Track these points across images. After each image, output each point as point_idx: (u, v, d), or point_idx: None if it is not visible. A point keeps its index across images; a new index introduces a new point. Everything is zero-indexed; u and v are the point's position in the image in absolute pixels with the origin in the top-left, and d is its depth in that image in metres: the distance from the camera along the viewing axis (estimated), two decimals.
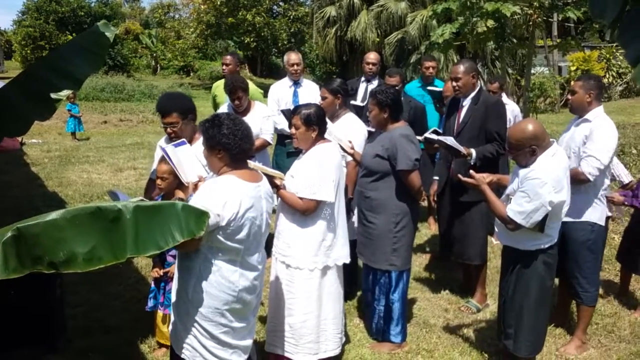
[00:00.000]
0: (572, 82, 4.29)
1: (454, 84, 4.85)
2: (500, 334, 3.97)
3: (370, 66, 6.51)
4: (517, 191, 3.51)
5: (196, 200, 2.73)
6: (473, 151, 4.62)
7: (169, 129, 3.88)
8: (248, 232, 2.89)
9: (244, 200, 2.85)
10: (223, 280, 2.87)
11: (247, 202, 2.87)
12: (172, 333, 3.06)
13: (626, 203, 4.79)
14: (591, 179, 3.98)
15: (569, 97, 4.26)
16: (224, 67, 6.53)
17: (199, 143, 3.89)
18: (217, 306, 2.87)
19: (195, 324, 2.89)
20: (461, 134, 4.80)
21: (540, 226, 3.49)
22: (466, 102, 4.89)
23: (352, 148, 4.43)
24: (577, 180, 3.95)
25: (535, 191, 3.38)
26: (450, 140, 4.54)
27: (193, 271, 2.86)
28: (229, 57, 6.65)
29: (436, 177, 5.22)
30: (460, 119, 4.89)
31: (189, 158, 3.49)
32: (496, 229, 3.83)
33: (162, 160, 3.73)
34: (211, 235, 2.76)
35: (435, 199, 5.23)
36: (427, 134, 4.63)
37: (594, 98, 4.11)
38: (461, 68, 4.83)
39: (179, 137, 3.83)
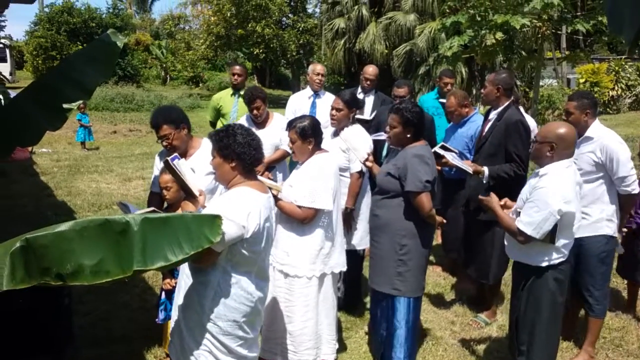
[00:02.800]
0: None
1: (482, 90, 4.81)
2: (512, 350, 3.90)
3: (369, 82, 6.44)
4: (526, 202, 3.49)
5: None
6: (485, 170, 4.51)
7: (164, 142, 3.89)
8: (265, 243, 2.91)
9: (262, 211, 2.87)
10: (242, 292, 2.85)
11: (265, 212, 2.90)
12: (176, 349, 2.96)
13: (632, 227, 4.91)
14: (638, 190, 4.12)
15: (565, 117, 4.21)
16: (236, 77, 6.55)
17: (196, 155, 3.91)
18: (236, 319, 2.85)
19: (212, 339, 2.84)
20: (482, 148, 4.71)
21: (551, 237, 3.44)
22: (492, 116, 4.75)
23: (372, 161, 4.34)
24: (632, 203, 4.25)
25: (544, 200, 3.34)
26: (450, 156, 4.45)
27: (210, 285, 2.82)
28: (238, 67, 6.68)
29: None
30: (484, 133, 4.78)
31: (188, 171, 3.50)
32: (506, 244, 3.79)
33: (164, 171, 3.75)
34: (233, 248, 2.76)
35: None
36: (435, 149, 4.55)
37: (591, 116, 4.11)
38: (490, 77, 4.75)
39: (176, 148, 3.86)
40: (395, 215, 3.88)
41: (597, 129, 4.11)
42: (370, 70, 6.54)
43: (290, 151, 5.49)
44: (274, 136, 5.32)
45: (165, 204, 4.00)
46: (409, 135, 3.88)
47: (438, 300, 5.43)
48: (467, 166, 4.53)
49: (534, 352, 3.66)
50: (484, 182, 4.53)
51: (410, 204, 3.81)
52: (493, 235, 4.67)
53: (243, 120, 5.51)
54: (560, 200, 3.33)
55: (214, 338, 2.84)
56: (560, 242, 3.47)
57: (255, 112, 5.33)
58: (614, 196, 4.15)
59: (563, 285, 3.62)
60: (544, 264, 3.51)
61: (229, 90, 6.68)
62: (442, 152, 4.52)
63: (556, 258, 3.51)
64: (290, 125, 3.88)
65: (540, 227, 3.37)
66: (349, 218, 4.67)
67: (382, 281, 3.96)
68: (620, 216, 4.24)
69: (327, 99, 6.31)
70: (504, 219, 3.61)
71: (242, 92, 6.37)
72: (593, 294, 4.19)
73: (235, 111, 6.42)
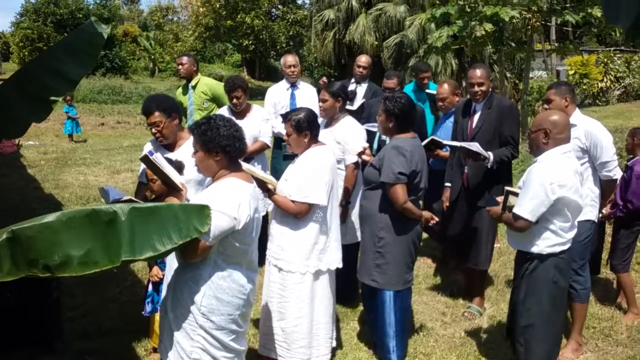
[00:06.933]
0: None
1: (477, 88, 4.70)
2: (509, 339, 3.87)
3: (361, 69, 6.47)
4: (522, 188, 3.52)
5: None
6: (491, 155, 4.57)
7: (153, 129, 3.83)
8: (254, 233, 2.88)
9: (251, 201, 2.83)
10: (234, 285, 2.81)
11: (254, 203, 2.85)
12: (166, 348, 2.86)
13: (616, 214, 4.95)
14: (619, 176, 4.22)
15: (546, 106, 4.31)
16: (180, 67, 6.48)
17: (185, 145, 3.86)
18: (230, 312, 2.80)
19: (205, 335, 2.77)
20: (475, 138, 4.72)
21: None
22: (479, 107, 4.79)
23: (369, 154, 4.24)
24: (612, 188, 4.35)
25: (538, 185, 3.38)
26: (475, 146, 4.48)
27: (202, 280, 2.75)
28: (184, 57, 6.57)
29: (448, 184, 5.09)
30: (474, 124, 4.80)
31: (167, 165, 3.44)
32: (507, 234, 3.83)
33: None
34: (224, 240, 2.72)
35: (447, 204, 5.12)
36: (425, 142, 4.57)
37: (570, 102, 4.22)
38: (484, 73, 4.71)
39: (165, 137, 3.82)
40: (375, 206, 3.95)
41: (578, 116, 4.22)
42: (364, 59, 6.59)
43: (269, 144, 5.50)
44: (253, 127, 5.29)
45: (152, 195, 3.94)
46: (391, 125, 3.97)
47: (428, 292, 5.43)
48: (483, 150, 4.53)
49: (535, 343, 3.60)
50: (489, 166, 4.57)
51: (387, 196, 3.87)
52: (486, 221, 4.74)
53: (224, 111, 5.47)
54: (555, 184, 3.35)
55: (208, 334, 2.77)
56: (556, 225, 3.46)
57: (235, 101, 5.29)
58: (597, 181, 4.26)
59: (565, 274, 3.60)
60: (546, 252, 3.50)
61: (181, 84, 6.57)
62: (457, 144, 4.62)
63: (558, 244, 3.50)
64: (286, 117, 3.84)
65: (536, 210, 3.40)
66: (345, 212, 4.61)
67: (363, 272, 4.06)
68: (600, 202, 4.34)
69: (305, 89, 6.32)
70: (504, 215, 3.62)
71: (193, 83, 6.37)
72: (577, 279, 4.22)
73: (192, 103, 6.35)
